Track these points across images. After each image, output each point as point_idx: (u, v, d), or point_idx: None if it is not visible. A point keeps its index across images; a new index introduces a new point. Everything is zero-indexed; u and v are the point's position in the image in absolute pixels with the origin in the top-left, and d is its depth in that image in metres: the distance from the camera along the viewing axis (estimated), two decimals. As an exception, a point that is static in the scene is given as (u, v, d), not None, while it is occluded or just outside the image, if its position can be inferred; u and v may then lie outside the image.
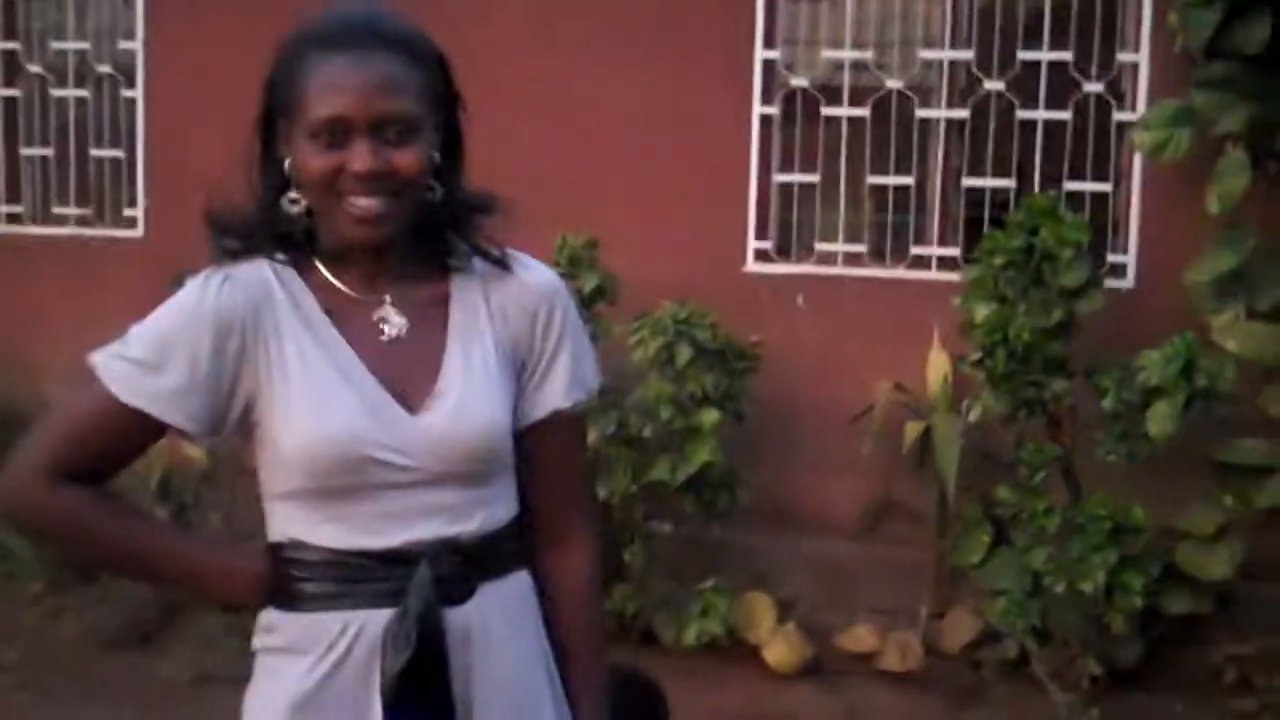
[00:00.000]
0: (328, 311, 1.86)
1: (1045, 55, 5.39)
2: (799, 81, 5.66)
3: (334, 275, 1.88)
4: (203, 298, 1.81)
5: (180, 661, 5.06)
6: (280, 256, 1.87)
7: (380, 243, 1.83)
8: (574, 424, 2.01)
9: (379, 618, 1.81)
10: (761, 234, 5.70)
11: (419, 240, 1.90)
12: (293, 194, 1.85)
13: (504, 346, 1.92)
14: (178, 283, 1.88)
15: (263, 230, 1.87)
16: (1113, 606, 4.71)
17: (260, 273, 1.86)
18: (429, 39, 1.87)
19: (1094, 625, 4.80)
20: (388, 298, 1.88)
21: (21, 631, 5.42)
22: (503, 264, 1.92)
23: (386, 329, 1.87)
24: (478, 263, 1.92)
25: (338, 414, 1.80)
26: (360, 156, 1.76)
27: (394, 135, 1.78)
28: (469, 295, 1.92)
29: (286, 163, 1.84)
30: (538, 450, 1.97)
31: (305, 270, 1.88)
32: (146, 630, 5.33)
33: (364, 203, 1.78)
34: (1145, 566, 4.71)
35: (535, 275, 1.96)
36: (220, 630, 5.01)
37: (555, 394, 1.95)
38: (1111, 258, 5.35)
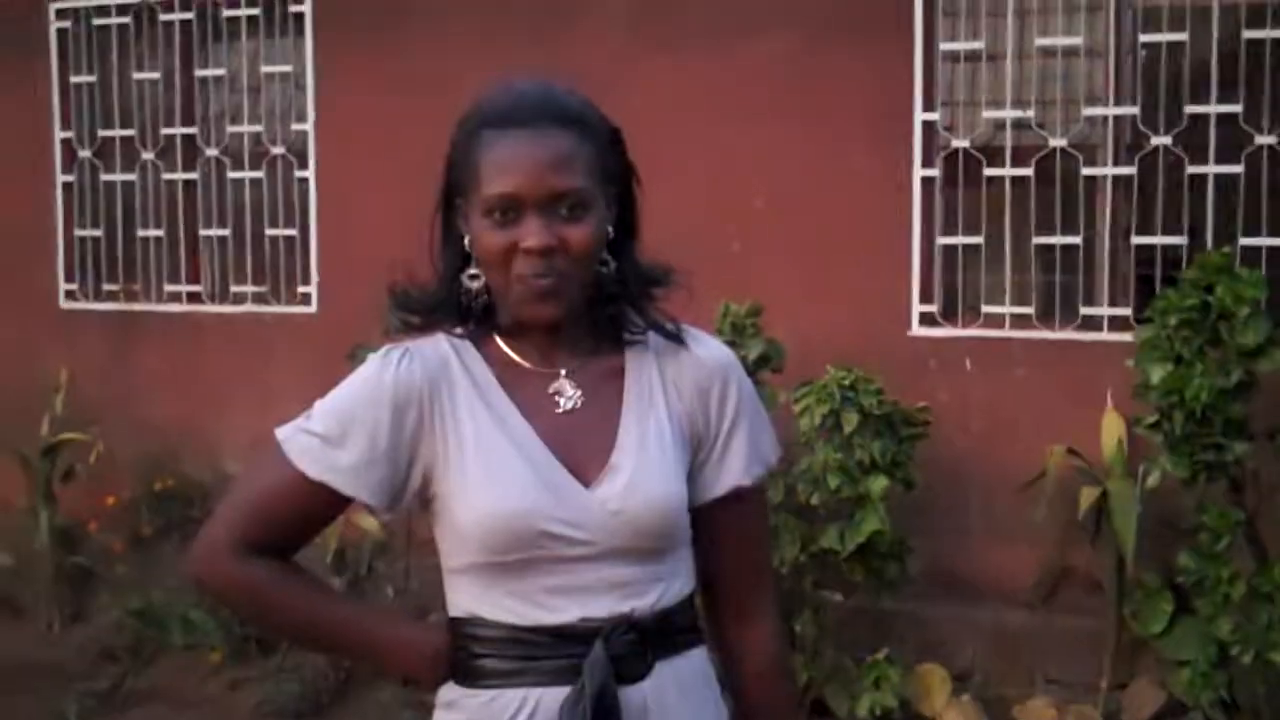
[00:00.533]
0: (503, 384, 1.88)
1: (1214, 109, 5.26)
2: (960, 143, 5.60)
3: (510, 349, 1.90)
4: (383, 372, 1.86)
5: (356, 732, 5.15)
6: (458, 331, 1.91)
7: (553, 320, 1.85)
8: (756, 497, 2.02)
9: (555, 695, 1.82)
10: (926, 297, 5.64)
11: (594, 313, 1.92)
12: (473, 270, 1.88)
13: (679, 421, 1.92)
14: (351, 358, 1.93)
15: (444, 305, 1.91)
16: (1303, 677, 4.54)
17: (438, 347, 1.90)
18: (601, 114, 1.90)
19: (1285, 697, 4.63)
20: (563, 370, 1.90)
21: (202, 703, 5.56)
22: (677, 338, 1.93)
23: (562, 401, 1.89)
24: (652, 337, 1.93)
25: (512, 487, 1.82)
26: (532, 233, 1.79)
27: (566, 211, 1.81)
28: (644, 369, 1.93)
29: (466, 239, 1.88)
30: (719, 525, 1.97)
31: (483, 344, 1.91)
32: (321, 701, 5.43)
33: (536, 281, 1.80)
34: (1336, 635, 4.54)
35: (710, 350, 1.96)
36: (393, 703, 5.08)
37: (734, 471, 1.95)
38: (1292, 314, 5.18)
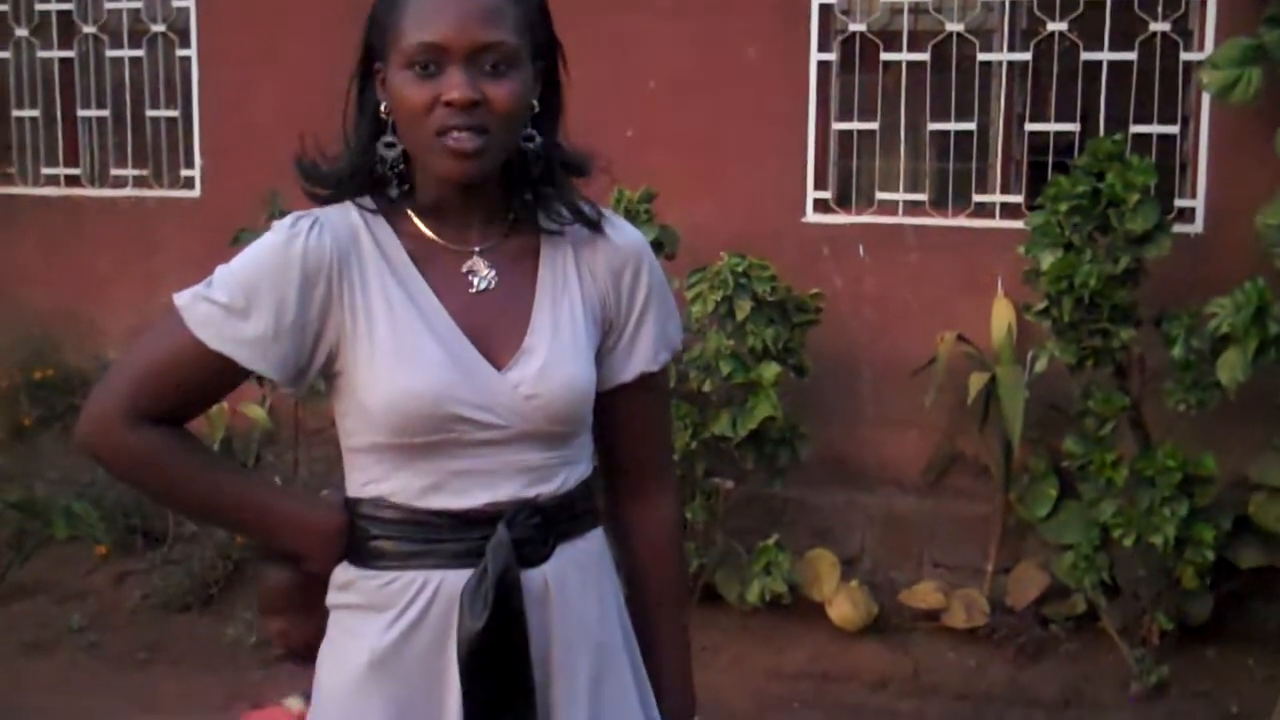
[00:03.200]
0: (416, 261, 1.83)
1: (1110, -6, 5.24)
2: (857, 26, 5.54)
3: (425, 225, 1.85)
4: (291, 243, 1.79)
5: (244, 624, 5.09)
6: (369, 203, 1.85)
7: (473, 178, 1.80)
8: (661, 381, 2.01)
9: (456, 577, 1.80)
10: (821, 184, 5.60)
11: (513, 193, 1.88)
12: (389, 138, 1.83)
13: (591, 305, 1.90)
14: (236, 242, 1.85)
15: (356, 176, 1.85)
16: (1183, 560, 4.63)
17: (348, 217, 1.84)
18: None
19: (1164, 579, 4.73)
20: (477, 248, 1.85)
21: (88, 595, 5.49)
22: (596, 225, 1.90)
23: (475, 280, 1.85)
24: (568, 219, 1.89)
25: (425, 369, 1.78)
26: (455, 85, 1.74)
27: (490, 67, 1.76)
28: (559, 252, 1.89)
29: (383, 106, 1.82)
30: (624, 410, 1.96)
31: (395, 219, 1.86)
32: (210, 593, 5.37)
33: (457, 135, 1.75)
34: (1216, 519, 4.63)
35: (624, 235, 1.94)
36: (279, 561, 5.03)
37: (643, 356, 1.94)
38: (1180, 202, 5.21)
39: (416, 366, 1.77)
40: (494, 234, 1.87)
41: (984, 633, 4.97)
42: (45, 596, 5.46)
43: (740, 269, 5.04)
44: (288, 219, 1.82)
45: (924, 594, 5.08)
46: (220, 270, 1.80)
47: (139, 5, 6.55)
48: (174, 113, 6.52)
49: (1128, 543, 4.63)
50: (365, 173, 1.85)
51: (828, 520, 5.38)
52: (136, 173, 6.59)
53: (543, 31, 1.86)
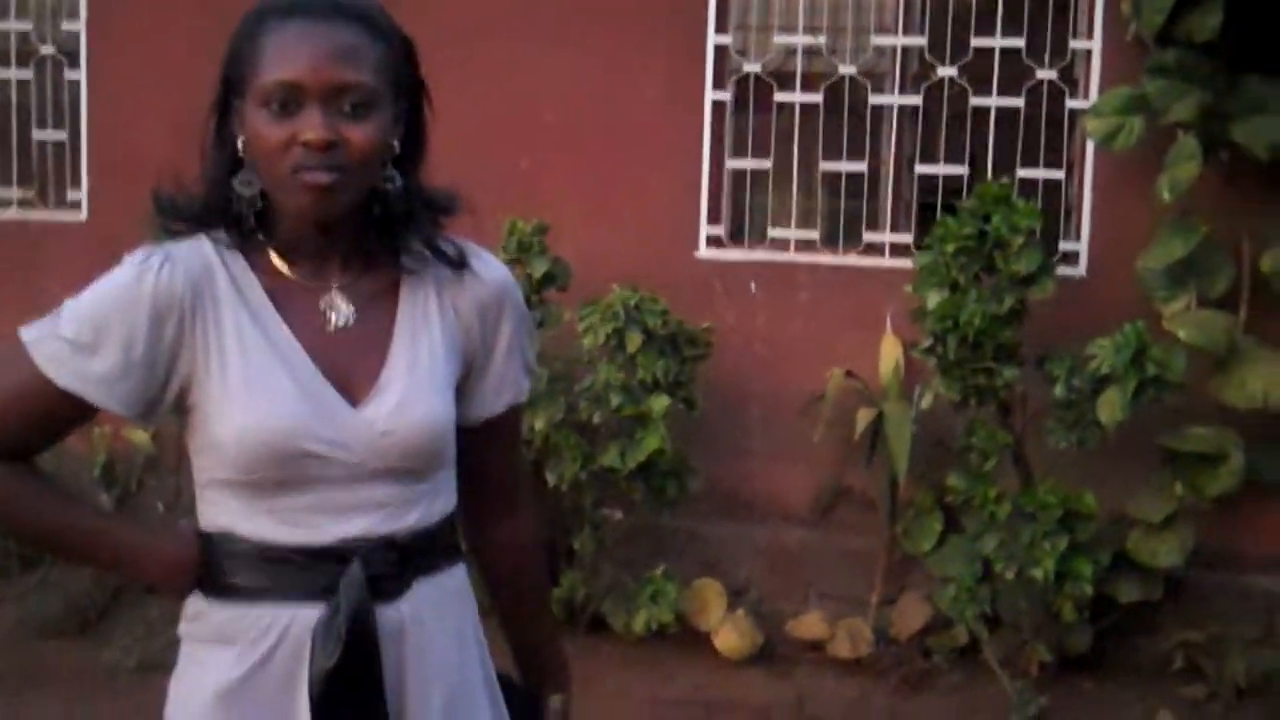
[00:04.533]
0: (272, 298, 1.80)
1: (998, 42, 5.36)
2: (751, 67, 5.63)
3: (282, 261, 1.82)
4: (141, 279, 1.74)
5: (121, 649, 4.98)
6: (225, 239, 1.81)
7: (327, 217, 1.77)
8: (520, 410, 2.04)
9: (308, 614, 1.77)
10: (714, 220, 5.66)
11: (372, 232, 1.85)
12: (245, 175, 1.79)
13: (453, 339, 1.88)
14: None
15: (211, 213, 1.81)
16: (1063, 593, 4.71)
17: (201, 252, 1.80)
18: (393, 22, 1.82)
19: (1044, 612, 4.81)
20: (335, 285, 1.83)
21: (-41, 620, 5.34)
22: (459, 264, 1.88)
23: (332, 317, 1.82)
24: (430, 257, 1.88)
25: (275, 404, 1.75)
26: (312, 125, 1.70)
27: (349, 108, 1.73)
28: (419, 287, 1.87)
29: (240, 141, 1.78)
30: (489, 441, 1.97)
31: (253, 255, 1.82)
32: (87, 618, 5.26)
33: (311, 174, 1.71)
34: (1096, 553, 4.72)
35: (489, 269, 1.92)
36: (162, 618, 4.94)
37: (510, 390, 1.96)
38: (1064, 245, 5.35)
39: (268, 402, 1.75)
40: (353, 271, 1.84)
41: (868, 663, 5.02)
42: (-86, 621, 5.31)
43: (632, 302, 5.08)
44: (138, 253, 1.78)
45: (809, 624, 5.12)
46: (69, 304, 1.75)
47: (28, 27, 6.46)
48: (61, 135, 6.43)
49: (1009, 576, 4.70)
50: (221, 208, 1.81)
51: (715, 551, 5.40)
52: (22, 194, 6.48)
53: (406, 72, 1.83)
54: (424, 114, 1.89)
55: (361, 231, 1.84)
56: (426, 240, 1.86)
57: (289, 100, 1.72)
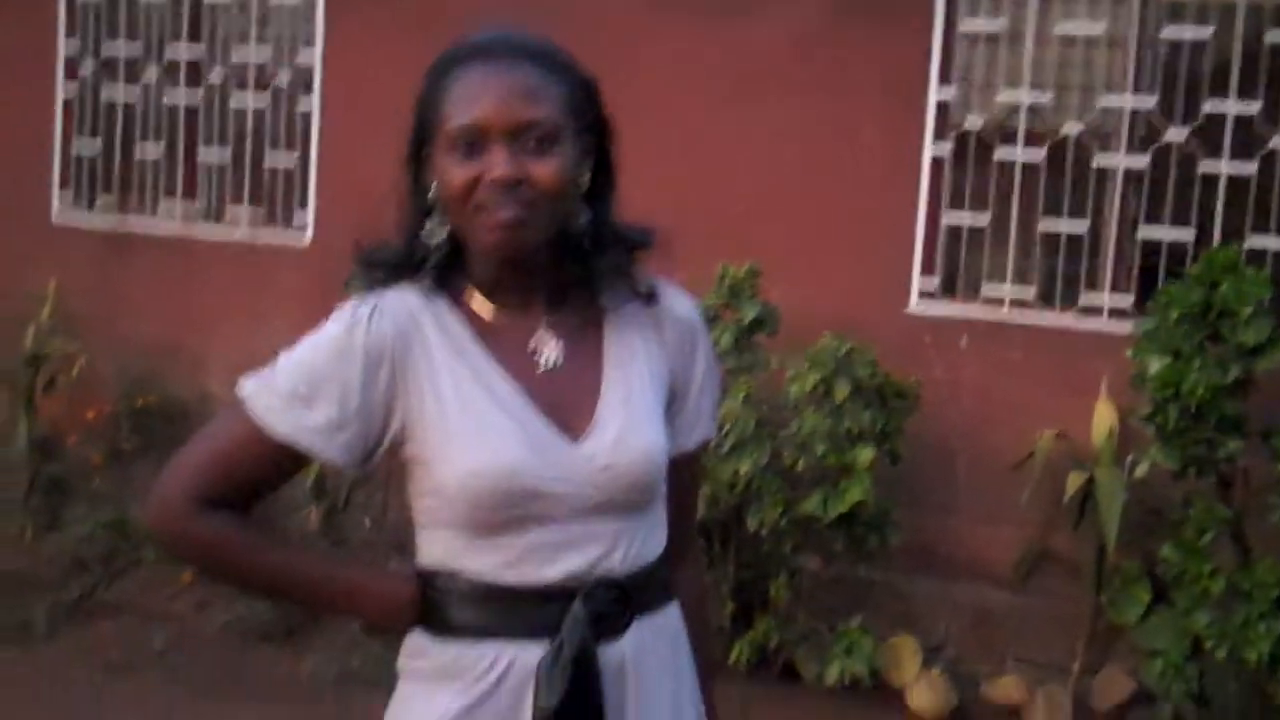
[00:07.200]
0: (480, 339, 1.83)
1: (1231, 107, 5.24)
2: (973, 122, 5.58)
3: (487, 302, 1.86)
4: (352, 331, 1.79)
5: (323, 659, 5.10)
6: (428, 284, 1.85)
7: (517, 253, 1.80)
8: (706, 450, 2.09)
9: (531, 652, 1.79)
10: (927, 273, 5.62)
11: (570, 267, 1.88)
12: (430, 222, 1.84)
13: (658, 373, 1.90)
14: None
15: (411, 260, 1.85)
16: (1276, 678, 4.53)
17: (407, 301, 1.83)
18: (575, 60, 1.86)
19: (1256, 696, 4.63)
20: (542, 323, 1.86)
21: (169, 619, 5.52)
22: (648, 299, 1.91)
23: (543, 355, 1.85)
24: (626, 294, 1.90)
25: (499, 446, 1.77)
26: (497, 164, 1.74)
27: (533, 144, 1.76)
28: (622, 322, 1.90)
29: (432, 190, 1.83)
30: (678, 476, 1.97)
31: (457, 297, 1.86)
32: (292, 626, 5.39)
33: (498, 212, 1.75)
34: (1313, 638, 4.54)
35: (683, 305, 1.96)
36: (364, 632, 5.04)
37: (705, 424, 1.99)
38: (1293, 317, 5.17)
39: (490, 444, 1.77)
40: (556, 308, 1.87)
41: (1066, 733, 4.89)
42: (130, 617, 5.51)
43: (841, 351, 5.06)
44: (347, 306, 1.82)
45: (1006, 688, 5.02)
46: (283, 358, 1.81)
47: (266, 57, 6.72)
48: (291, 163, 6.66)
49: (1220, 655, 4.54)
50: (420, 256, 1.85)
51: (913, 607, 5.33)
52: (251, 215, 6.73)
53: (590, 110, 1.86)
54: (611, 151, 1.91)
55: (559, 268, 1.87)
56: (618, 276, 1.88)
57: (475, 142, 1.76)
